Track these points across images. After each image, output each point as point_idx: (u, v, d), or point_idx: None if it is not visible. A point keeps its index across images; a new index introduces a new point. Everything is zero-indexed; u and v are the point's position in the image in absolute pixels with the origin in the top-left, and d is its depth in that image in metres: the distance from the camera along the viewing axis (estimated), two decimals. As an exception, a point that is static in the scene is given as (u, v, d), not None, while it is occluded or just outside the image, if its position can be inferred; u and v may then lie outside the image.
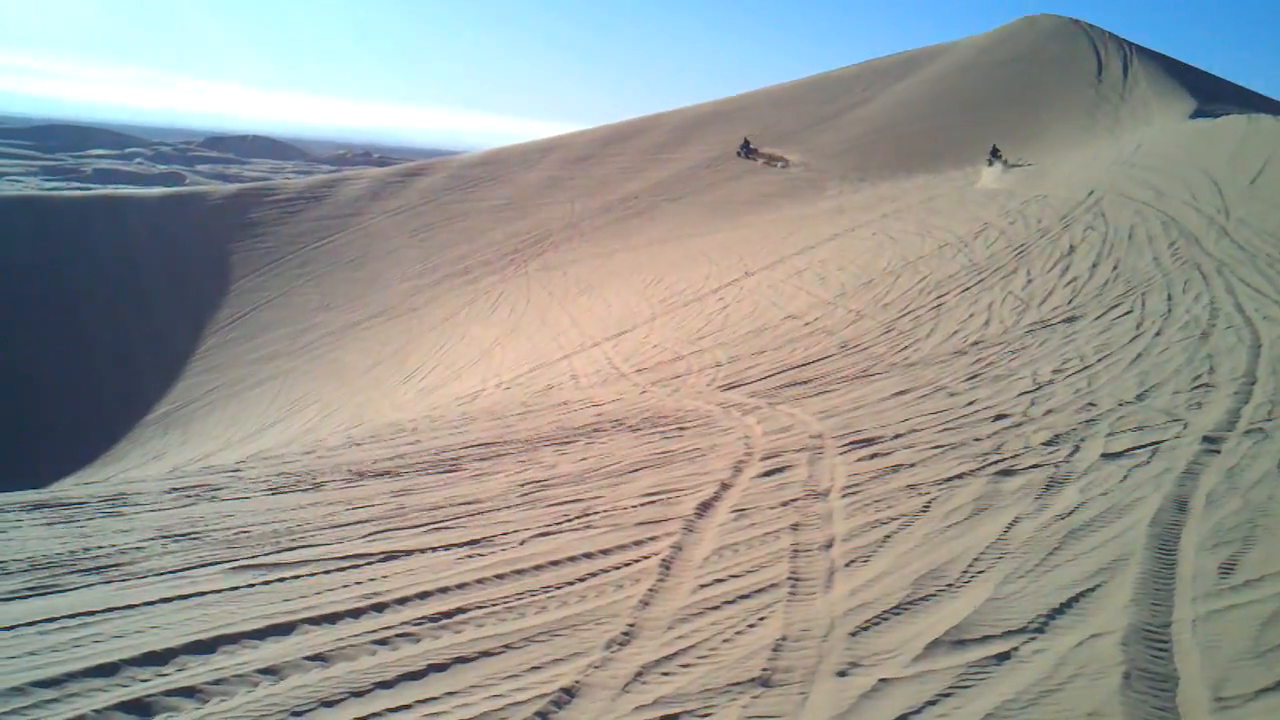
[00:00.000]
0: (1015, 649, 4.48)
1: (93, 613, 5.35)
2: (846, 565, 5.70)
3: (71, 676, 4.41)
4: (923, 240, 22.84)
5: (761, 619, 4.99)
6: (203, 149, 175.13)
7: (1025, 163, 42.06)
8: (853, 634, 4.72)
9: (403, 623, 5.09)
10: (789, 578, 5.54)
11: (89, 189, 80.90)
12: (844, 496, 7.17)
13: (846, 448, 8.70)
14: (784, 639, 4.69)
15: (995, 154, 43.76)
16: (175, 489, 9.54)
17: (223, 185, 63.30)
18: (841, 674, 4.31)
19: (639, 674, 4.42)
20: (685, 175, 44.47)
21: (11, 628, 5.13)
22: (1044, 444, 8.23)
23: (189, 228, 46.13)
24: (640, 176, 45.36)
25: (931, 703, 4.05)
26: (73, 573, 6.28)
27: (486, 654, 4.69)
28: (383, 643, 4.85)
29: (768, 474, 8.10)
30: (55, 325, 38.04)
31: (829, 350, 14.68)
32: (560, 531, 6.75)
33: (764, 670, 4.37)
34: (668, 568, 5.84)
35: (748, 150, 48.08)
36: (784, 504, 7.09)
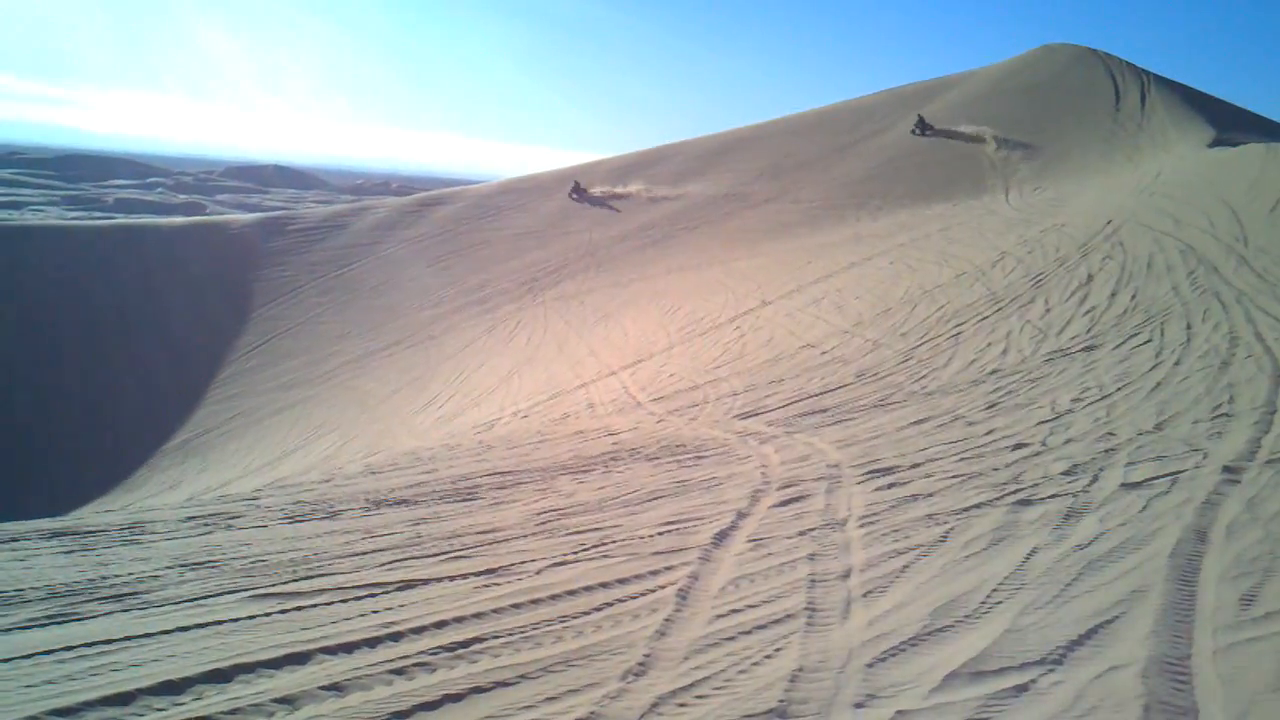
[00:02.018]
0: (1033, 681, 4.44)
1: (110, 641, 5.36)
2: (864, 595, 5.67)
3: (88, 706, 4.42)
4: (940, 269, 22.83)
5: (778, 650, 4.97)
6: (223, 179, 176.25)
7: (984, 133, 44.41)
8: (870, 665, 4.70)
9: (419, 652, 5.08)
10: (806, 608, 5.52)
11: (111, 218, 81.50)
12: (861, 526, 7.14)
13: (864, 477, 8.68)
14: (801, 670, 4.67)
15: (922, 125, 47.18)
16: (193, 517, 9.57)
17: (243, 215, 63.67)
18: (858, 705, 4.29)
19: (655, 705, 4.40)
20: (703, 204, 44.51)
21: (29, 656, 5.14)
22: (1063, 474, 8.19)
23: (209, 257, 46.38)
24: (658, 205, 45.45)
25: (950, 735, 4.03)
26: (90, 601, 6.30)
27: (502, 684, 4.68)
28: (399, 672, 4.84)
29: (785, 503, 8.08)
30: (74, 354, 38.26)
31: (846, 379, 14.66)
32: (577, 561, 6.75)
33: (780, 701, 4.35)
34: (684, 598, 5.83)
35: (579, 193, 48.86)
36: (801, 534, 7.07)
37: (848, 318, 19.90)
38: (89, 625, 5.76)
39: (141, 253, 45.87)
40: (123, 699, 4.50)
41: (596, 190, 48.57)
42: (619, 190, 48.32)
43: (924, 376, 14.08)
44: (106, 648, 5.27)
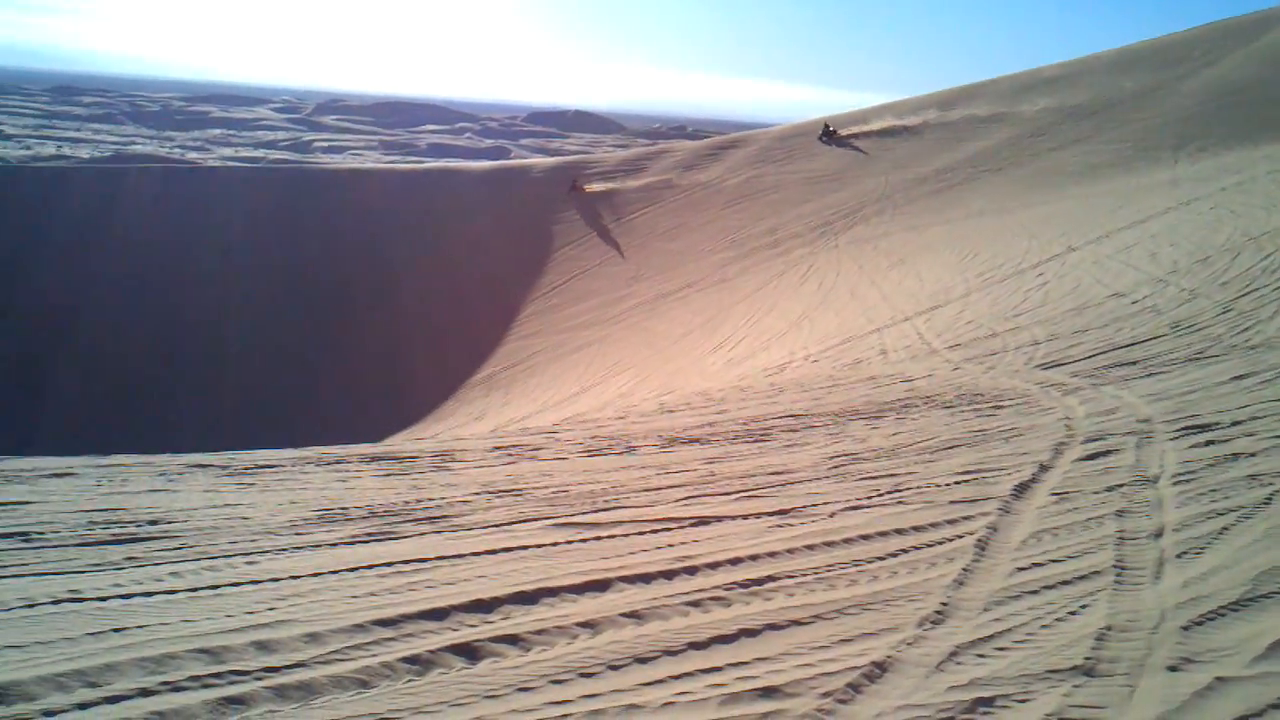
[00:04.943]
0: (1373, 657, 4.11)
1: (425, 560, 5.69)
2: (1178, 556, 5.38)
3: (407, 618, 4.71)
4: (1269, 215, 21.15)
5: (1084, 606, 4.78)
6: (526, 124, 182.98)
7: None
8: (1185, 628, 4.45)
9: (714, 586, 5.17)
10: (1114, 565, 5.29)
11: (423, 162, 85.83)
12: (1175, 484, 6.77)
13: (1178, 433, 8.22)
14: (1109, 628, 4.48)
15: (828, 133, 48.39)
16: (498, 447, 10.03)
17: (545, 159, 65.77)
18: (1173, 669, 4.08)
19: (953, 654, 4.33)
20: (1007, 145, 42.76)
21: (354, 569, 5.53)
22: None
23: (513, 198, 48.30)
24: (959, 147, 43.98)
25: (1275, 705, 3.77)
26: (406, 521, 6.71)
27: (797, 623, 4.70)
28: (695, 604, 4.94)
29: (1090, 457, 7.76)
30: (386, 290, 40.69)
31: (1159, 330, 13.88)
32: (871, 506, 6.70)
33: (1086, 659, 4.18)
34: (983, 548, 5.69)
35: (575, 188, 48.26)
36: (1109, 489, 6.77)
37: (1161, 266, 18.77)
38: (405, 544, 6.13)
39: (450, 194, 48.25)
40: (438, 614, 4.77)
41: (597, 187, 48.65)
42: (619, 186, 48.19)
43: (1246, 329, 13.16)
44: (421, 565, 5.60)
